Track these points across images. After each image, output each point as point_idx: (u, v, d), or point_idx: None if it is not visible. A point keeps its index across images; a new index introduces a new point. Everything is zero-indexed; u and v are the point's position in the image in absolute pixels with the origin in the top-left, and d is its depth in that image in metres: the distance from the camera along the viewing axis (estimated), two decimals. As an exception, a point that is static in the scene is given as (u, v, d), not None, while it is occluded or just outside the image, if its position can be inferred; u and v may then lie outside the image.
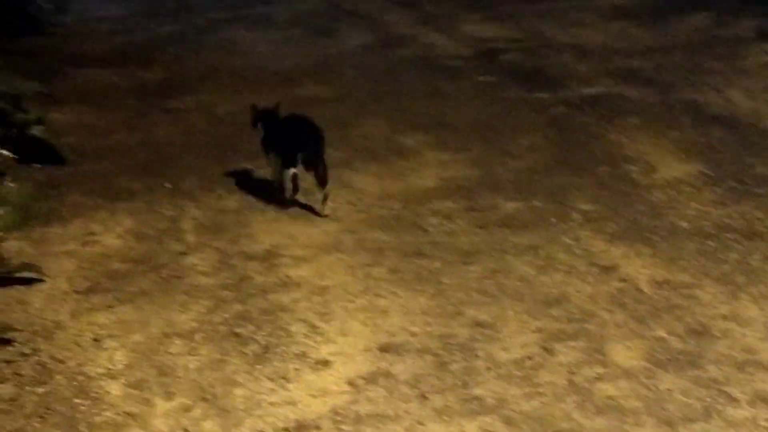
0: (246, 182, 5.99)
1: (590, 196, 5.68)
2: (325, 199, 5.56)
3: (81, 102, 7.38)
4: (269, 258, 4.95)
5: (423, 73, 8.17)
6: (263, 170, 5.97)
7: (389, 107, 7.35)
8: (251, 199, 5.73)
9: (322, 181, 5.56)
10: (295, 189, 5.65)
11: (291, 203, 5.68)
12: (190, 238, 5.22)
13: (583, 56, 8.54)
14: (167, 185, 5.94)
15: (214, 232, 5.28)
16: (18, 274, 4.68)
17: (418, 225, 5.35)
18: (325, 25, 9.53)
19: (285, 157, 5.68)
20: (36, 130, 6.14)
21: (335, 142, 6.64)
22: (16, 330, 4.24)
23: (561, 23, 9.58)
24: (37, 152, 5.94)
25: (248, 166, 6.19)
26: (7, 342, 4.15)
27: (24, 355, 4.09)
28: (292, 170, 5.62)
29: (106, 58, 8.41)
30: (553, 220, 5.37)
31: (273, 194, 5.73)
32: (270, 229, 5.34)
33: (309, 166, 5.58)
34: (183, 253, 5.01)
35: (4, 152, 5.08)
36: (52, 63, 8.33)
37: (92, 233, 5.26)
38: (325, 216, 5.53)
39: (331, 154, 5.78)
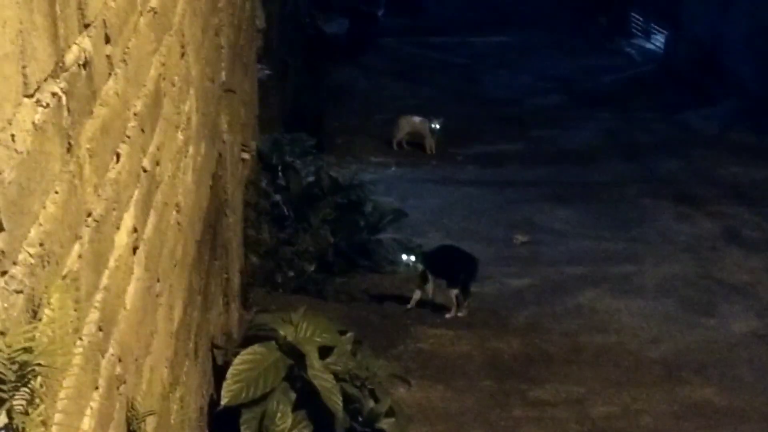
0: None
1: None
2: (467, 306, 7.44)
3: (428, 377, 6.29)
4: None
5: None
6: None
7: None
8: None
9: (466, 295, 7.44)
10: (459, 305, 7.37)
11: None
12: None
13: None
14: None
15: None
16: None
17: None
18: (700, 298, 8.11)
19: (451, 280, 7.40)
20: (385, 424, 5.04)
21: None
22: None
23: None
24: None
25: None
26: None
27: None
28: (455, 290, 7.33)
29: (454, 317, 7.40)
30: None
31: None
32: None
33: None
34: None
35: None
36: (394, 320, 7.32)
37: None
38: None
39: None
